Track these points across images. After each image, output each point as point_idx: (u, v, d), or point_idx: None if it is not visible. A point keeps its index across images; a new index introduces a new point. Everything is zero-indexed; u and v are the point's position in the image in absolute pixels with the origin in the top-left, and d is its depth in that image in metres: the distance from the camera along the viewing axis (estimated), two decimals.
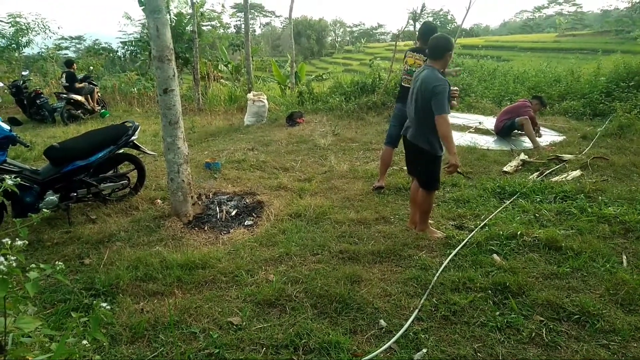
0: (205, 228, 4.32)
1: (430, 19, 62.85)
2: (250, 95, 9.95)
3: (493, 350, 2.49)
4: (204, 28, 17.55)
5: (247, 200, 4.96)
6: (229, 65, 17.62)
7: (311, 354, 2.49)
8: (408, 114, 3.81)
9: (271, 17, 72.43)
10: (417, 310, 2.83)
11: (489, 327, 2.67)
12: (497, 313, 2.79)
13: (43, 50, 20.48)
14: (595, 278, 3.13)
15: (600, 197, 4.48)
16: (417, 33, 5.19)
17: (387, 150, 5.16)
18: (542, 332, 2.61)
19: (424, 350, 2.49)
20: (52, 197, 4.37)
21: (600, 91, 9.24)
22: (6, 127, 4.24)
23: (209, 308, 2.94)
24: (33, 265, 1.53)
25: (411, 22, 14.69)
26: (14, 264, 1.43)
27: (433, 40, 3.63)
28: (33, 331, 1.65)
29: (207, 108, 12.35)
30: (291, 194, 5.14)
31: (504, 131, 7.33)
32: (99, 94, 12.53)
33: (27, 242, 1.57)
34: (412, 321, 2.74)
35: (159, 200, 4.99)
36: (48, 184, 4.41)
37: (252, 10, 59.22)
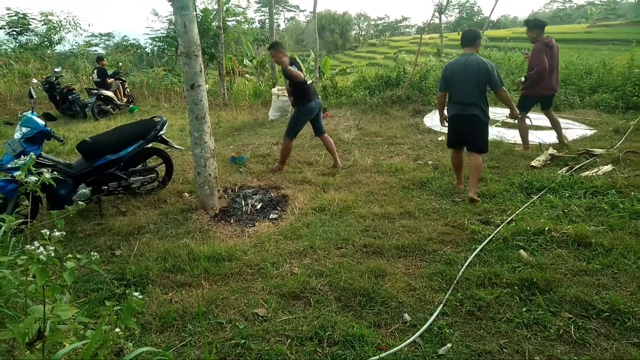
0: (231, 221, 4.39)
1: (456, 11, 61.76)
2: (274, 90, 10.00)
3: (519, 346, 2.47)
4: (229, 23, 17.72)
5: (272, 194, 5.01)
6: (253, 60, 17.73)
7: (335, 346, 2.51)
8: (455, 95, 4.60)
9: (295, 11, 72.36)
10: (441, 305, 2.82)
11: (515, 323, 2.65)
12: (524, 309, 2.75)
13: (74, 47, 21.02)
14: (627, 275, 3.04)
15: (632, 193, 4.33)
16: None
17: (290, 142, 5.82)
18: (571, 329, 2.56)
19: (449, 345, 2.48)
20: (84, 190, 4.52)
21: (633, 83, 8.90)
22: (41, 122, 4.39)
23: (235, 299, 3.00)
24: (70, 256, 1.60)
25: (437, 14, 14.39)
26: (52, 254, 1.50)
27: (467, 32, 4.64)
28: (68, 318, 1.73)
29: (232, 103, 12.48)
30: (315, 188, 5.17)
31: None
32: (128, 89, 12.81)
33: (64, 233, 1.64)
34: (437, 316, 2.73)
35: (186, 194, 5.10)
36: (81, 177, 4.55)
37: (277, 5, 59.33)
